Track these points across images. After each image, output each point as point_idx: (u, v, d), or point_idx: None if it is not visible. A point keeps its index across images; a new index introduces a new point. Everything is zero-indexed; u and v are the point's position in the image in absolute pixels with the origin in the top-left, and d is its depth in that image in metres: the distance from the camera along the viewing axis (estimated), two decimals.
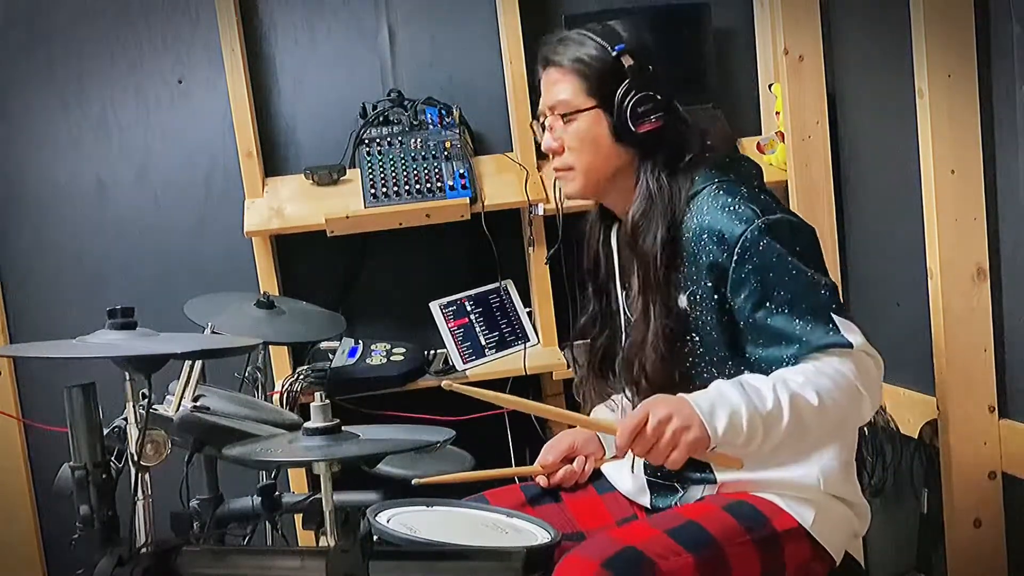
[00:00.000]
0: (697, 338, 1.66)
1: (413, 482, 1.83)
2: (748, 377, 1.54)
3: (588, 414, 1.94)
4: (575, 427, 1.95)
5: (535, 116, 1.81)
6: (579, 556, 1.48)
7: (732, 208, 1.59)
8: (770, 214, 1.59)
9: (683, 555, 1.51)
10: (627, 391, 1.78)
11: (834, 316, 1.54)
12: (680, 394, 1.50)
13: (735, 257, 1.57)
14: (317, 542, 1.62)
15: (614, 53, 1.67)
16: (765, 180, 1.77)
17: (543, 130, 1.76)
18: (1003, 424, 2.10)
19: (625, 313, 1.80)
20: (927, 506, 2.29)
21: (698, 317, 1.65)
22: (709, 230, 1.60)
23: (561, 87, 1.71)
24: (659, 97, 1.66)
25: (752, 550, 1.58)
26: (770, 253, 1.56)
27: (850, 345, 1.53)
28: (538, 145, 1.86)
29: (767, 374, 1.56)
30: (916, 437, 2.27)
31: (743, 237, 1.56)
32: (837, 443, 1.66)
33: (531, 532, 1.64)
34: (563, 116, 1.70)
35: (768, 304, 1.56)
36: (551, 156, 1.76)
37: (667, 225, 1.65)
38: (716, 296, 1.61)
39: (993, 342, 2.10)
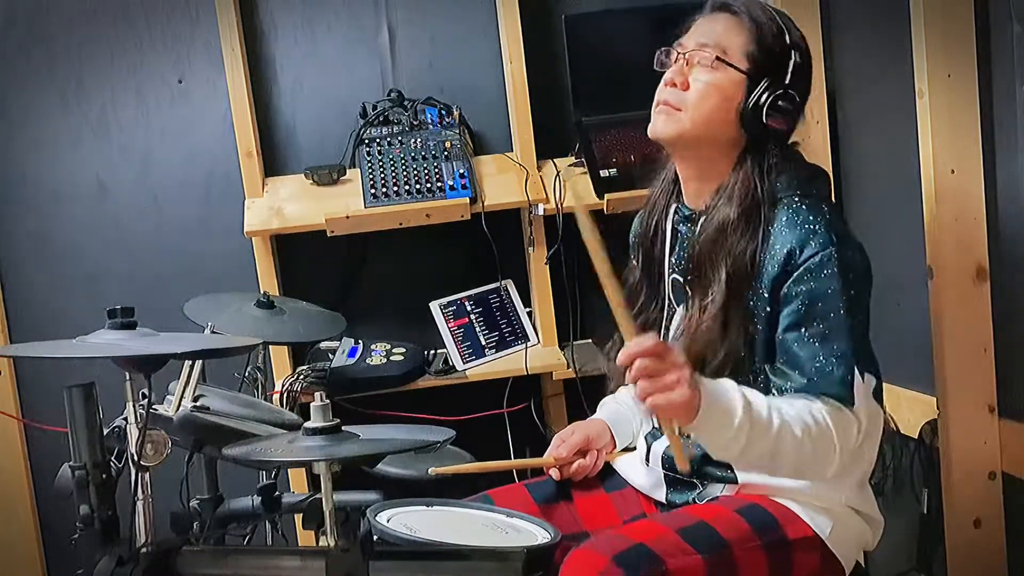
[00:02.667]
0: (748, 349, 1.64)
1: (429, 471, 1.82)
2: (747, 391, 1.54)
3: (610, 390, 1.93)
4: (586, 419, 1.93)
5: (669, 44, 1.70)
6: (589, 550, 1.48)
7: (811, 227, 1.57)
8: (845, 246, 1.57)
9: (692, 555, 1.51)
10: None
11: (855, 370, 1.54)
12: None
13: (796, 273, 1.56)
14: (317, 542, 1.62)
15: (790, 40, 1.64)
16: None
17: (673, 58, 1.68)
18: (1003, 424, 2.10)
19: (671, 299, 1.77)
20: (927, 506, 2.29)
21: (750, 324, 1.62)
22: (784, 243, 1.58)
23: (725, 33, 1.64)
24: (800, 103, 1.65)
25: (761, 555, 1.57)
26: (827, 284, 1.55)
27: (852, 404, 1.54)
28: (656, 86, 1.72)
29: (767, 390, 1.58)
30: (916, 437, 2.27)
31: (812, 258, 1.55)
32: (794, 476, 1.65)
33: (531, 532, 1.64)
34: (716, 58, 1.62)
35: (803, 330, 1.56)
36: (666, 85, 1.67)
37: (764, 226, 1.61)
38: (769, 309, 1.60)
39: (993, 342, 2.09)
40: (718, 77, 1.63)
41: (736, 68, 1.63)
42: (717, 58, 1.63)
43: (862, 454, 1.66)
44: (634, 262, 1.85)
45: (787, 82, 1.63)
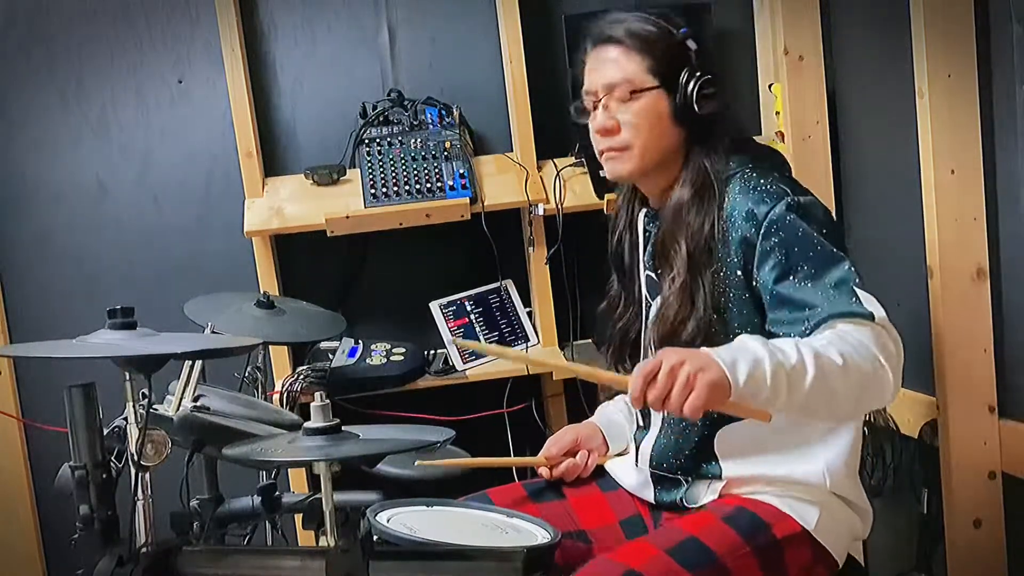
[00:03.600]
0: (715, 316, 1.65)
1: (416, 463, 1.83)
2: (768, 340, 1.50)
3: (601, 400, 1.97)
4: (579, 421, 1.96)
5: (576, 96, 1.79)
6: None
7: (763, 188, 1.63)
8: (800, 195, 1.63)
9: (683, 574, 1.51)
10: None
11: (856, 289, 1.54)
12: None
13: (762, 230, 1.59)
14: (317, 542, 1.61)
15: (679, 35, 1.71)
16: None
17: (591, 109, 1.75)
18: (1003, 424, 2.10)
19: (646, 296, 1.81)
20: (927, 506, 2.29)
21: (721, 293, 1.65)
22: (741, 208, 1.63)
23: (622, 64, 1.71)
24: (721, 80, 1.70)
25: (753, 560, 1.58)
26: (796, 228, 1.58)
27: (871, 317, 1.51)
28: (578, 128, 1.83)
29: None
30: (916, 437, 2.27)
31: (771, 211, 1.59)
32: (860, 415, 1.66)
33: (531, 532, 1.65)
34: (630, 94, 1.70)
35: (791, 277, 1.57)
36: (601, 135, 1.74)
37: (717, 205, 1.67)
38: (740, 272, 1.63)
39: (993, 342, 2.10)
40: (639, 106, 1.70)
41: (649, 89, 1.70)
42: (631, 92, 1.70)
43: (869, 404, 1.62)
44: (613, 276, 1.90)
45: (697, 70, 1.68)
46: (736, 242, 1.63)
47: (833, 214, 1.69)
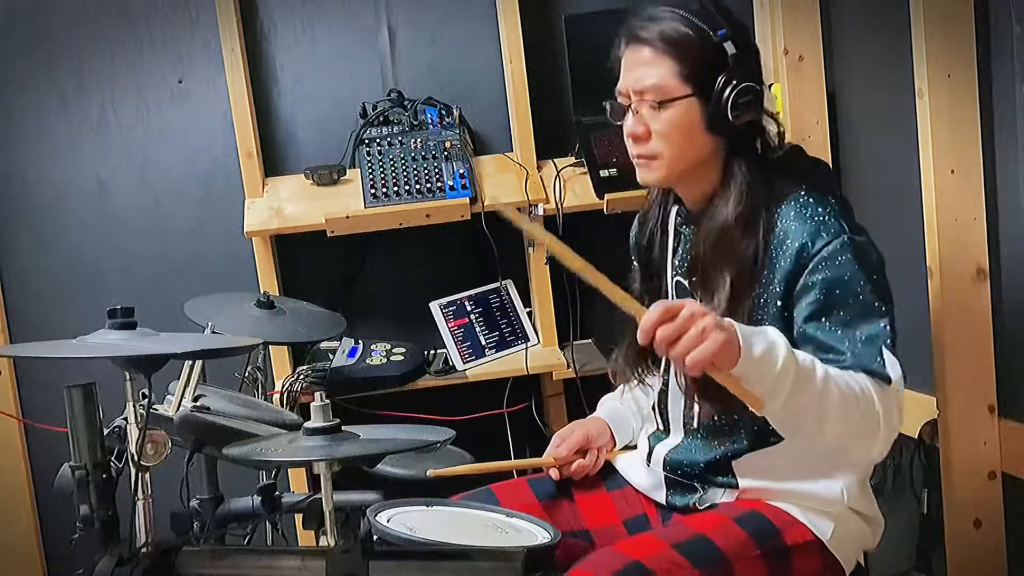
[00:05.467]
0: None
1: (428, 473, 1.82)
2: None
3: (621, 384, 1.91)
4: (585, 417, 1.93)
5: (612, 96, 1.68)
6: (583, 570, 1.47)
7: (821, 219, 1.56)
8: (856, 234, 1.56)
9: (689, 570, 1.49)
10: (677, 381, 1.72)
11: (885, 349, 1.52)
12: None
13: (811, 264, 1.54)
14: (317, 542, 1.62)
15: (716, 38, 1.59)
16: None
17: (622, 112, 1.66)
18: (1003, 424, 2.10)
19: (673, 300, 1.74)
20: (927, 506, 2.29)
21: (758, 321, 1.59)
22: (794, 237, 1.56)
23: (653, 70, 1.60)
24: (759, 88, 1.61)
25: (761, 564, 1.56)
26: (844, 270, 1.53)
27: (888, 381, 1.51)
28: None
29: None
30: (916, 437, 2.27)
31: (825, 247, 1.53)
32: (839, 452, 1.60)
33: (531, 532, 1.64)
34: (660, 102, 1.60)
35: (824, 319, 1.54)
36: (633, 140, 1.65)
37: (766, 226, 1.59)
38: (780, 303, 1.58)
39: (993, 342, 2.09)
40: (670, 115, 1.61)
41: (681, 98, 1.60)
42: (660, 102, 1.60)
43: (850, 449, 1.62)
44: (635, 271, 1.85)
45: (734, 76, 1.58)
46: (782, 272, 1.57)
47: (880, 252, 1.61)
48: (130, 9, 2.83)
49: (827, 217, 1.56)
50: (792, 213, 1.58)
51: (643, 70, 1.61)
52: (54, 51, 2.83)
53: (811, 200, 1.59)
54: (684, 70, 1.59)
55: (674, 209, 1.76)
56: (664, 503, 1.76)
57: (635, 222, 1.88)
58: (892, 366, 1.51)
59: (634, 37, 1.63)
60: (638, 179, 1.70)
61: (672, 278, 1.76)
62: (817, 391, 1.44)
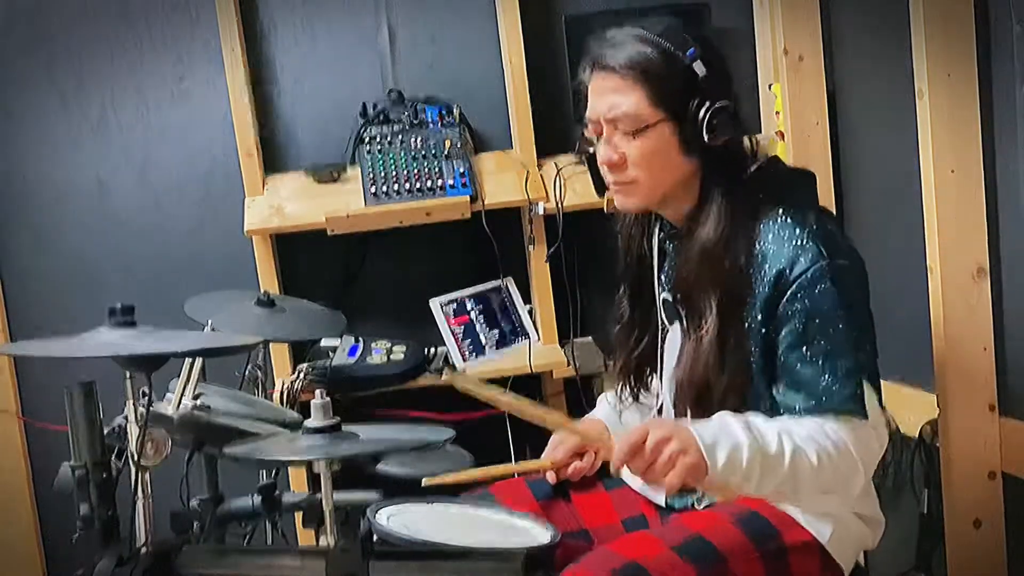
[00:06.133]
0: (746, 368, 1.60)
1: (423, 482, 1.81)
2: (753, 418, 1.53)
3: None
4: (583, 419, 1.94)
5: (580, 120, 1.67)
6: (581, 570, 1.47)
7: (798, 241, 1.53)
8: (835, 257, 1.53)
9: (687, 570, 1.50)
10: (673, 406, 1.72)
11: (863, 383, 1.53)
12: (682, 422, 1.51)
13: (789, 292, 1.53)
14: (317, 542, 1.62)
15: (686, 60, 1.55)
16: None
17: (595, 139, 1.64)
18: (1003, 424, 2.10)
19: (663, 321, 1.75)
20: (927, 506, 2.29)
21: (749, 351, 1.59)
22: (772, 261, 1.54)
23: (622, 98, 1.57)
24: (732, 107, 1.57)
25: (758, 565, 1.56)
26: (823, 300, 1.51)
27: (865, 417, 1.52)
28: (585, 151, 1.73)
29: (778, 414, 1.55)
30: (916, 437, 2.27)
31: (804, 274, 1.51)
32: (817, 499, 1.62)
33: (531, 532, 1.64)
34: (633, 130, 1.57)
35: (804, 349, 1.53)
36: (607, 168, 1.63)
37: (748, 246, 1.57)
38: (764, 330, 1.57)
39: (993, 341, 2.10)
40: (643, 143, 1.58)
41: (654, 124, 1.57)
42: (634, 131, 1.57)
43: (826, 500, 1.63)
44: (622, 291, 1.83)
45: (707, 97, 1.55)
46: (762, 298, 1.55)
47: (862, 264, 1.59)
48: (130, 9, 2.82)
49: (806, 240, 1.53)
50: (770, 236, 1.56)
51: (613, 98, 1.58)
52: (54, 51, 2.82)
53: (789, 221, 1.56)
54: (655, 96, 1.56)
55: (657, 225, 1.75)
56: (663, 505, 1.76)
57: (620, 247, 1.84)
58: (869, 399, 1.54)
59: (598, 63, 1.60)
60: (617, 205, 1.68)
61: (659, 295, 1.76)
62: (785, 471, 1.50)
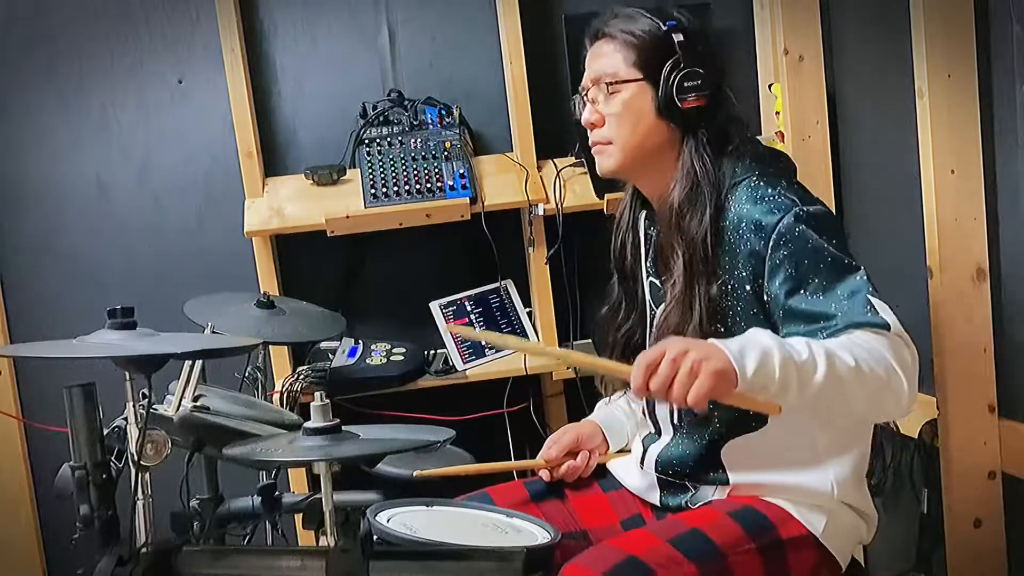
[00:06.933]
0: (723, 329, 1.61)
1: (414, 474, 1.82)
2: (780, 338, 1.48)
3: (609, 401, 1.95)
4: (579, 421, 1.95)
5: (576, 91, 1.79)
6: (579, 566, 1.47)
7: (771, 198, 1.59)
8: (808, 204, 1.58)
9: (685, 565, 1.50)
10: None
11: (871, 298, 1.51)
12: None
13: (771, 244, 1.55)
14: (317, 542, 1.62)
15: (665, 28, 1.68)
16: None
17: (583, 105, 1.75)
18: (1003, 424, 2.10)
19: (650, 303, 1.79)
20: (927, 506, 2.29)
21: (729, 307, 1.62)
22: (748, 219, 1.59)
23: (607, 60, 1.71)
24: (707, 74, 1.66)
25: (756, 558, 1.57)
26: (805, 239, 1.54)
27: (887, 327, 1.48)
28: (577, 123, 1.81)
29: None
30: (916, 437, 2.27)
31: (779, 223, 1.55)
32: (878, 419, 1.62)
33: (531, 532, 1.65)
34: (607, 86, 1.69)
35: (803, 291, 1.53)
36: (590, 130, 1.74)
37: (714, 207, 1.63)
38: (749, 287, 1.60)
39: (993, 342, 2.10)
40: (621, 98, 1.69)
41: (630, 81, 1.68)
42: (609, 83, 1.70)
43: (884, 412, 1.61)
44: (614, 280, 1.88)
45: (681, 61, 1.65)
46: (744, 256, 1.59)
47: (832, 213, 1.65)
48: (130, 9, 2.82)
49: (777, 196, 1.59)
50: (744, 197, 1.62)
51: (600, 61, 1.73)
52: (54, 51, 2.82)
53: (761, 182, 1.63)
54: (634, 58, 1.69)
55: (643, 213, 1.81)
56: (659, 504, 1.77)
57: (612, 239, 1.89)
58: (884, 312, 1.50)
59: (596, 32, 1.75)
60: (597, 168, 1.77)
61: (646, 279, 1.79)
62: (824, 375, 1.40)
